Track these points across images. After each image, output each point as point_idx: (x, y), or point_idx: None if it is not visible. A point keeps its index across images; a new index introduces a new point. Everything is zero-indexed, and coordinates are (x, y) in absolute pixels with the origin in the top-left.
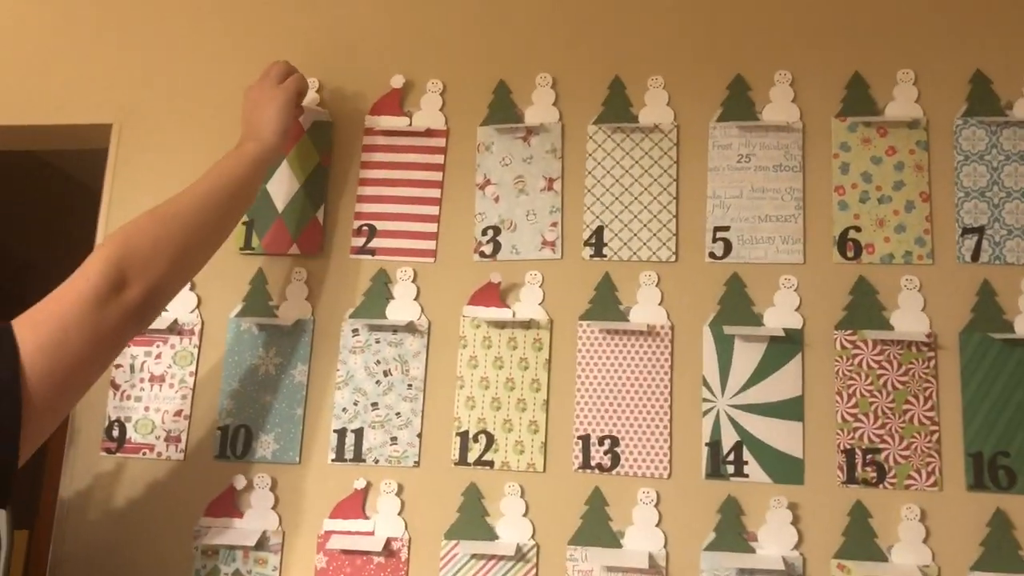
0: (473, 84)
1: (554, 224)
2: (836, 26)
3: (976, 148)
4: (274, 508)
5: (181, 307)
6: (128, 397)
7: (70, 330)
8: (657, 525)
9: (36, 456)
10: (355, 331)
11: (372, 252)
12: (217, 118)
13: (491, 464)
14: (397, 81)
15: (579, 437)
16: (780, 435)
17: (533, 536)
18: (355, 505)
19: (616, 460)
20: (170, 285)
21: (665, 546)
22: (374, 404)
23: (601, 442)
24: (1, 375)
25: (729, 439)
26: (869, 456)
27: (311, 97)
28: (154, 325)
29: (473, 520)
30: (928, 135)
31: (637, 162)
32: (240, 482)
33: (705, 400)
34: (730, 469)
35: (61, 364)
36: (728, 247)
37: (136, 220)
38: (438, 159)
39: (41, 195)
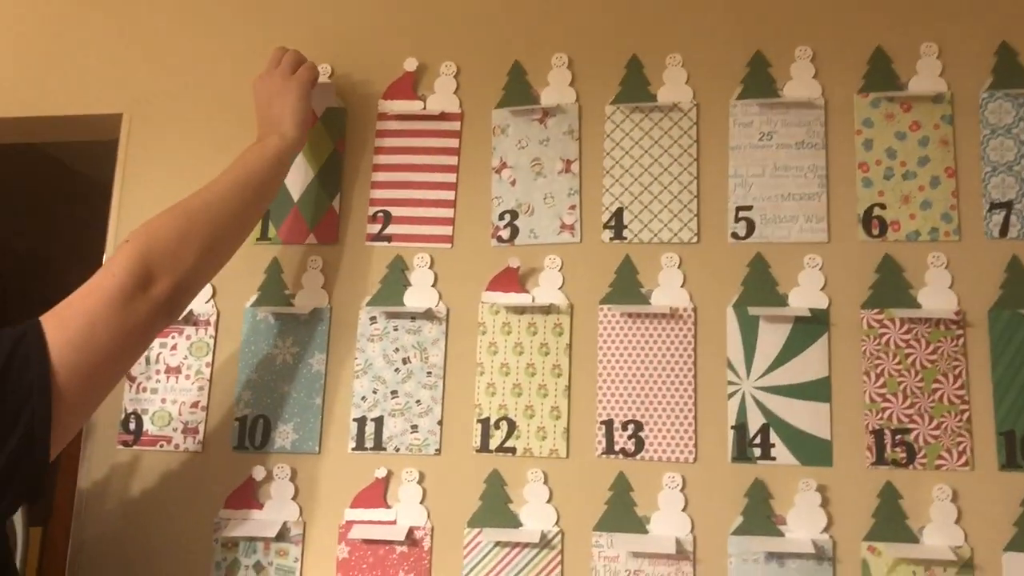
0: (487, 66)
1: (572, 207)
2: (857, 0)
3: (1003, 121)
4: (294, 499)
5: (196, 297)
6: (144, 389)
7: (97, 325)
8: (683, 510)
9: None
10: (372, 319)
11: (388, 239)
12: (229, 106)
13: (513, 451)
14: (410, 64)
15: (602, 422)
16: (807, 417)
17: (557, 523)
18: (376, 494)
19: (640, 445)
20: (196, 279)
21: (692, 531)
22: (393, 392)
23: (625, 427)
24: (31, 371)
25: (755, 422)
26: (898, 436)
27: (325, 84)
28: None
29: (496, 507)
30: (953, 109)
31: (656, 142)
32: (259, 473)
33: (730, 383)
34: (757, 452)
35: (89, 360)
36: (751, 227)
37: (161, 215)
38: (453, 143)
39: (48, 190)
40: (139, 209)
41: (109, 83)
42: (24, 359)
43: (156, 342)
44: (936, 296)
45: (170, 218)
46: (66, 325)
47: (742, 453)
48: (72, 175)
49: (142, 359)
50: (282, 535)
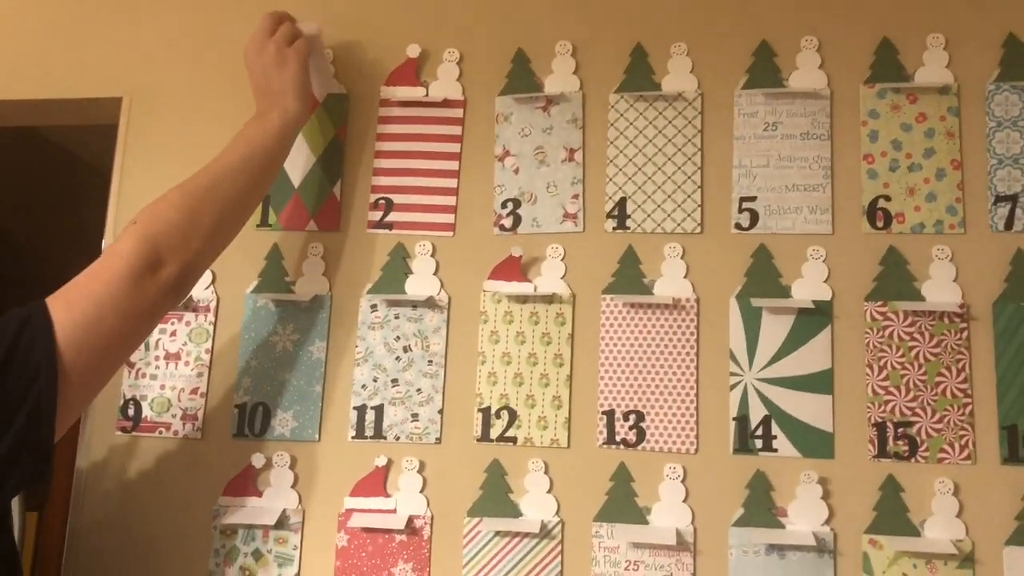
0: (491, 53)
1: (576, 196)
2: None
3: (1009, 114)
4: (294, 487)
5: (196, 283)
6: (143, 375)
7: (105, 307)
8: (684, 501)
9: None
10: (373, 307)
11: (389, 226)
12: (230, 92)
13: (514, 440)
14: (413, 51)
15: (603, 412)
16: (809, 409)
17: (558, 513)
18: (376, 483)
19: (641, 435)
20: (203, 260)
21: (692, 522)
22: (394, 381)
23: (626, 417)
24: (37, 352)
25: (757, 413)
26: (901, 429)
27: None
28: None
29: (496, 497)
30: (959, 101)
31: (660, 131)
32: (259, 460)
33: (732, 374)
34: (758, 444)
35: (96, 342)
36: (755, 218)
37: (166, 196)
38: (456, 130)
39: (46, 174)
40: (139, 194)
41: (109, 67)
42: (30, 340)
43: (155, 328)
44: (940, 289)
45: (177, 198)
46: (73, 307)
47: (744, 445)
48: (71, 159)
49: (141, 345)
50: (281, 523)
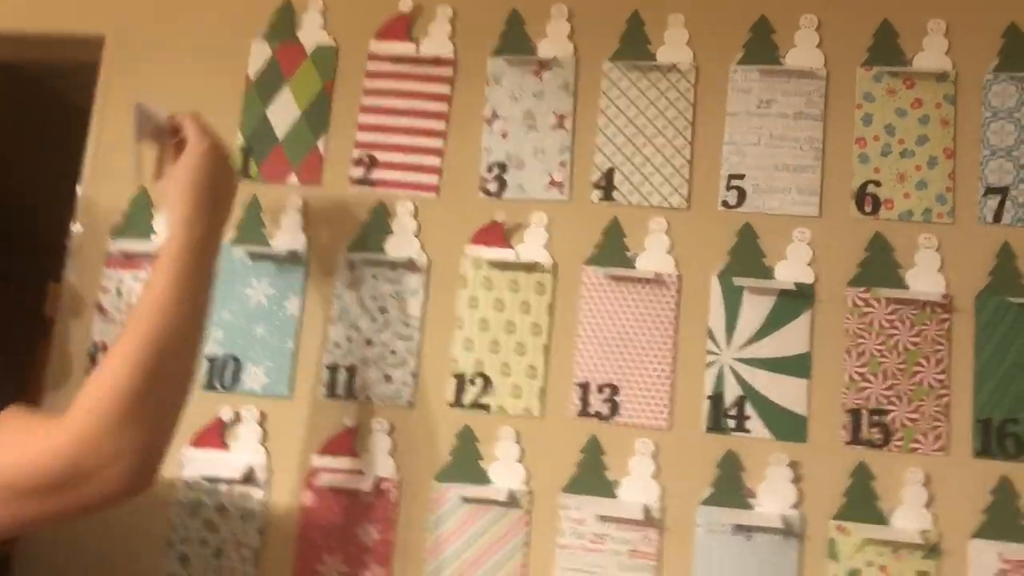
0: (485, 12)
1: (563, 164)
2: None
3: (1006, 104)
4: (262, 442)
5: None
6: (114, 321)
7: (20, 501)
8: (654, 477)
9: (18, 381)
10: (351, 265)
11: (372, 184)
12: (216, 34)
13: (487, 408)
14: (405, 5)
15: (578, 384)
16: (785, 391)
17: (527, 482)
18: (346, 443)
19: (615, 409)
20: (167, 442)
21: (661, 498)
22: (369, 341)
23: (601, 390)
24: None
25: (732, 393)
26: (875, 417)
27: (316, 20)
28: (142, 249)
29: (466, 463)
30: (956, 89)
31: (653, 103)
32: (227, 414)
33: (709, 352)
34: (731, 423)
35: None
36: (742, 196)
37: (116, 367)
38: (444, 89)
39: (27, 112)
40: (118, 135)
41: (92, 2)
42: None
43: (128, 275)
44: (924, 278)
45: (128, 373)
46: None
47: (716, 424)
48: (49, 96)
49: (113, 291)
50: (248, 478)
